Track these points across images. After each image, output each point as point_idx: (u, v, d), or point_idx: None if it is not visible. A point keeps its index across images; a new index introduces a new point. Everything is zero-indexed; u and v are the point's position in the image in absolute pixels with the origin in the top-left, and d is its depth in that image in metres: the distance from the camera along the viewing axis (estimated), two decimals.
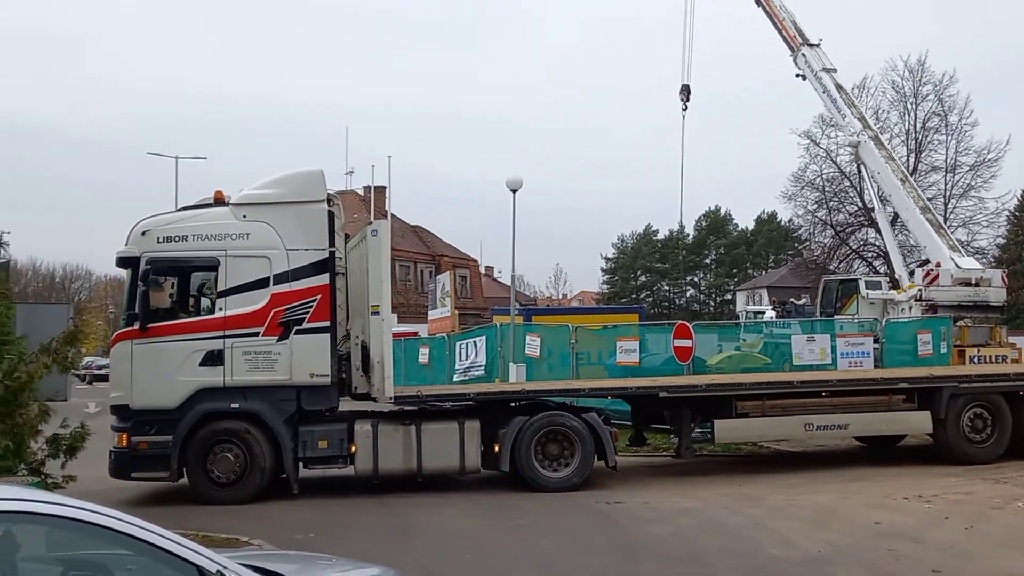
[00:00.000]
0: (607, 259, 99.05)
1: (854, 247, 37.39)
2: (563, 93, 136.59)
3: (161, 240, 11.57)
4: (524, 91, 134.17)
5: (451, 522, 10.65)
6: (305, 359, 11.71)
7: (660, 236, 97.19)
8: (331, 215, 12.09)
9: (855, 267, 36.81)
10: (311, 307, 11.80)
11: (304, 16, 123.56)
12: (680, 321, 18.40)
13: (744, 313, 46.49)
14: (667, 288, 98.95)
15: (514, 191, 23.15)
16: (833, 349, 18.22)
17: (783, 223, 77.83)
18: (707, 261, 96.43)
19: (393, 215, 68.53)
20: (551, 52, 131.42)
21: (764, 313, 34.09)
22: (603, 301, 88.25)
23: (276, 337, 11.69)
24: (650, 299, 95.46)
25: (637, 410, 14.96)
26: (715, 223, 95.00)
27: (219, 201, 12.26)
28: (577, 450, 12.43)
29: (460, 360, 26.26)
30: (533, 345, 22.17)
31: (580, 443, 12.45)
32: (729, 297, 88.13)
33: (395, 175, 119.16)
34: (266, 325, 11.58)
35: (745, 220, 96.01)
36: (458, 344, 26.71)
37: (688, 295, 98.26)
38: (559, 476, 12.40)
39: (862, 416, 13.69)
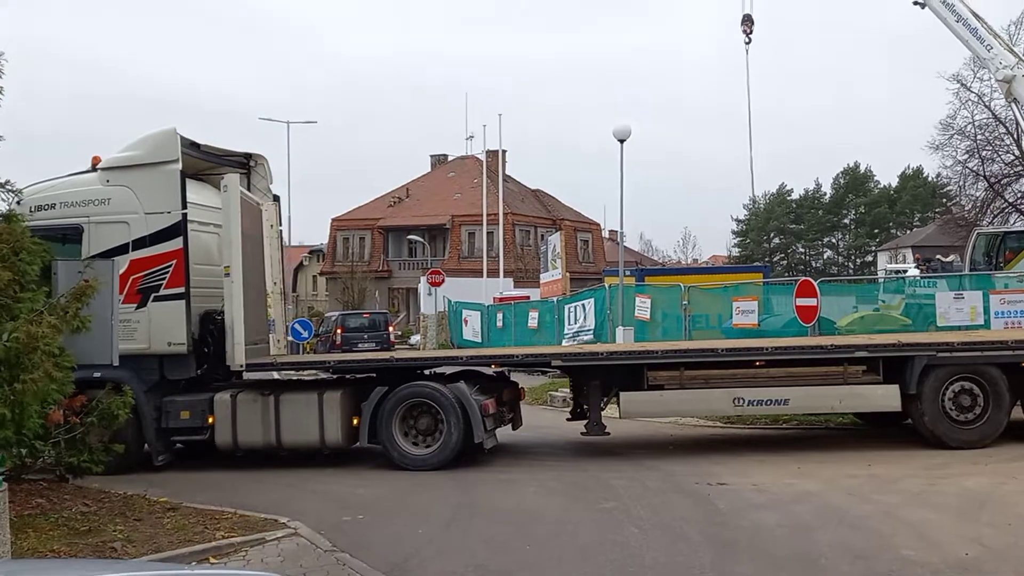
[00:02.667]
0: (738, 221, 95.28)
1: (1010, 200, 33.75)
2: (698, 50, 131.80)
3: (33, 209, 10.88)
4: (663, 52, 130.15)
5: (526, 502, 9.36)
6: (162, 327, 11.21)
7: (795, 196, 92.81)
8: (182, 175, 11.37)
9: (1012, 222, 33.20)
10: (167, 273, 11.33)
11: None
12: (804, 277, 16.39)
13: (884, 272, 43.10)
14: (802, 250, 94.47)
15: (622, 140, 21.43)
16: (986, 309, 15.93)
17: (929, 178, 72.72)
18: (846, 221, 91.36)
19: (512, 178, 67.60)
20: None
21: (906, 272, 31.17)
22: (733, 264, 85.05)
23: (135, 305, 11.24)
24: (784, 262, 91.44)
25: (574, 382, 12.77)
26: (854, 180, 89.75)
27: (95, 167, 11.76)
28: (443, 425, 11.09)
29: (569, 324, 24.97)
30: (643, 307, 20.63)
31: (445, 417, 11.06)
32: (870, 259, 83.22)
33: (518, 139, 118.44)
34: (125, 292, 10.85)
35: (888, 176, 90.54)
36: (567, 307, 25.40)
37: (825, 257, 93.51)
38: (421, 454, 11.12)
39: (807, 390, 11.41)
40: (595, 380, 11.79)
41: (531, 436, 13.29)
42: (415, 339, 42.25)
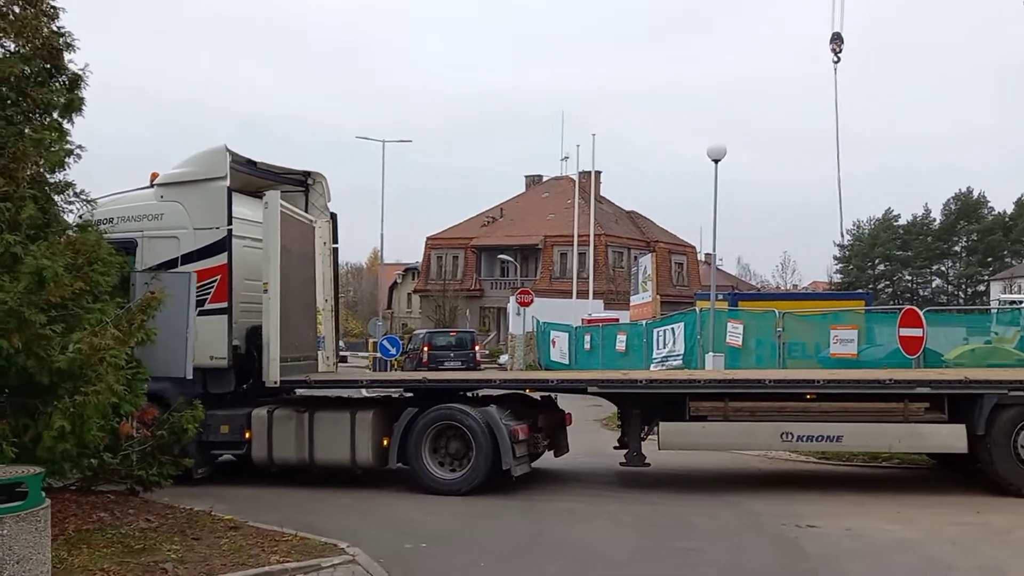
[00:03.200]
0: (840, 246, 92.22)
1: None
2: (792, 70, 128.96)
3: (95, 223, 10.90)
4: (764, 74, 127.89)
5: (595, 536, 8.84)
6: (205, 341, 11.00)
7: (902, 221, 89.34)
8: (230, 191, 11.42)
9: None
10: (212, 288, 11.37)
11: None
12: (908, 306, 15.41)
13: (998, 303, 40.83)
14: (909, 278, 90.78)
15: (716, 160, 20.79)
16: None
17: None
18: (956, 249, 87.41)
19: (606, 199, 67.04)
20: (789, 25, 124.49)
21: (1022, 302, 29.34)
22: (834, 291, 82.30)
23: None
24: (889, 289, 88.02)
25: (621, 410, 12.03)
26: (966, 206, 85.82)
27: (152, 183, 11.99)
28: (472, 450, 10.69)
29: (657, 348, 24.33)
30: (735, 333, 19.88)
31: (474, 441, 10.70)
32: (982, 288, 79.37)
33: (614, 160, 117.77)
34: None
35: (1003, 203, 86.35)
36: (655, 331, 24.77)
37: (934, 285, 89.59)
38: (449, 478, 10.82)
39: (863, 427, 10.60)
40: (635, 409, 11.32)
41: (603, 463, 12.75)
42: (504, 359, 42.03)
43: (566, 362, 31.89)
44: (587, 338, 30.28)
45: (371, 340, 35.78)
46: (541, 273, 60.85)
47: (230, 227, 11.43)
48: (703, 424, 10.87)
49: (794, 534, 8.81)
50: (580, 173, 50.08)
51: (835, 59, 22.48)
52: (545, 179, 67.89)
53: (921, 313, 14.53)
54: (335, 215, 13.38)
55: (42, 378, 7.03)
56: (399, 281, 78.28)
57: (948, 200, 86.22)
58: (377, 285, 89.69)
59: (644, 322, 26.69)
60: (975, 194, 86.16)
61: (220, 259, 11.36)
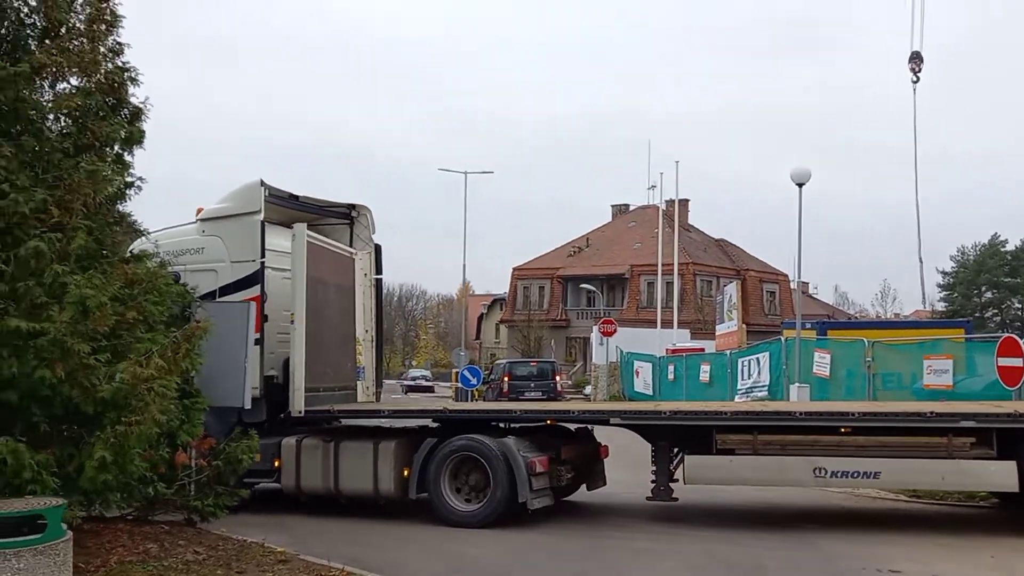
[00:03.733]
0: (944, 274, 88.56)
1: None
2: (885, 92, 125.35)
3: (151, 254, 11.11)
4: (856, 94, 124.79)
5: None
6: None
7: (1010, 246, 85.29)
8: (263, 225, 11.55)
9: None
10: None
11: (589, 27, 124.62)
12: (1007, 335, 14.42)
13: None
14: (1019, 306, 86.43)
15: (800, 184, 20.14)
16: None
17: None
18: None
19: (694, 227, 65.99)
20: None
21: None
22: (936, 319, 78.88)
23: None
24: (997, 318, 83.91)
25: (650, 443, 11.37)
26: None
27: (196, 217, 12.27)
28: (490, 481, 10.45)
29: (742, 379, 23.51)
30: (822, 363, 19.05)
31: (492, 473, 10.47)
32: None
33: (705, 187, 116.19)
34: None
35: None
36: (740, 361, 23.96)
37: None
38: (467, 510, 10.62)
39: (903, 463, 9.89)
40: (661, 441, 10.87)
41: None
42: (588, 389, 41.51)
43: (650, 392, 31.19)
44: (671, 368, 29.55)
45: (454, 370, 35.75)
46: (628, 303, 60.13)
47: (263, 260, 11.57)
48: (731, 458, 10.44)
49: None
50: (666, 202, 49.39)
51: (914, 79, 21.65)
52: (632, 208, 67.28)
53: (1021, 341, 13.56)
54: (379, 246, 13.54)
55: (87, 408, 7.02)
56: (485, 312, 78.55)
57: None
58: (465, 316, 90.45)
59: (729, 352, 25.88)
60: None
61: (254, 291, 11.46)
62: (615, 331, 35.12)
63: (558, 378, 32.85)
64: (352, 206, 13.35)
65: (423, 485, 10.85)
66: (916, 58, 21.64)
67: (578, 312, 62.50)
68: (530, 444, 10.74)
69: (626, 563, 8.94)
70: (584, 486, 11.97)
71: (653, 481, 10.97)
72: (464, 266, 47.98)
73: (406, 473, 10.92)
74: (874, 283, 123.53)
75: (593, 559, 9.10)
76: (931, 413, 10.21)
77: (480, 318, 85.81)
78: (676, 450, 10.81)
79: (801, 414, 10.63)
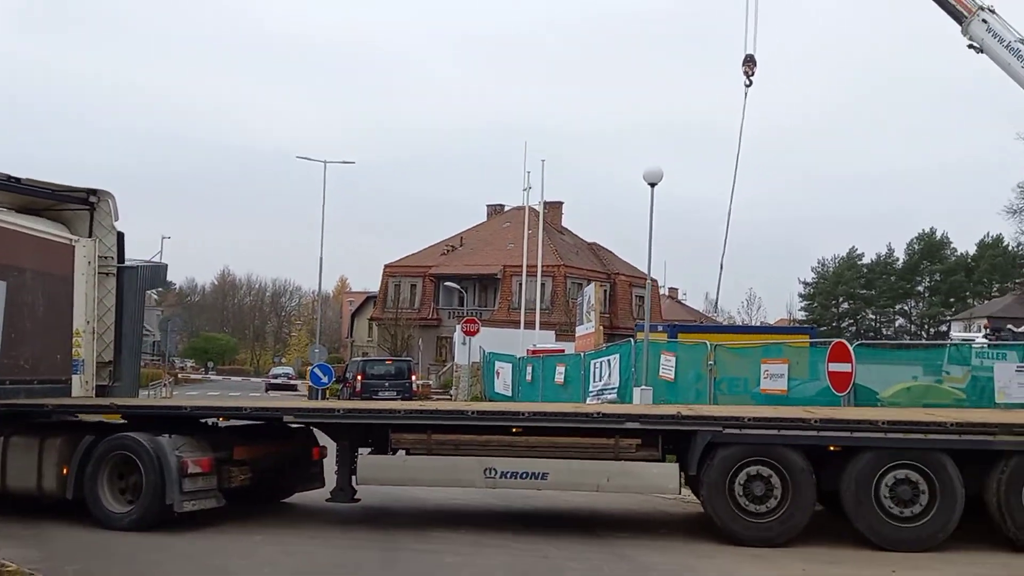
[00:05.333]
0: (805, 284, 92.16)
1: None
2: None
3: None
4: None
5: None
6: None
7: (866, 260, 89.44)
8: None
9: None
10: None
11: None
12: (837, 340, 14.36)
13: (950, 343, 40.12)
14: (872, 316, 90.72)
15: (652, 184, 19.83)
16: None
17: (1010, 247, 69.14)
18: (920, 288, 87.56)
19: (567, 230, 66.20)
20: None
21: (973, 341, 28.55)
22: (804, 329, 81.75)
23: None
24: (852, 328, 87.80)
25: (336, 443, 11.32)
26: (929, 247, 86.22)
27: None
28: (143, 481, 9.91)
29: (594, 381, 23.15)
30: (668, 366, 18.76)
31: (144, 473, 9.89)
32: (945, 328, 79.29)
33: (577, 193, 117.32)
34: None
35: (965, 244, 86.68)
36: (592, 363, 23.61)
37: (897, 325, 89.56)
38: (117, 512, 10.03)
39: (571, 464, 9.82)
40: (344, 440, 10.59)
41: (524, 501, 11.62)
42: (454, 390, 40.78)
43: (509, 394, 30.67)
44: (529, 369, 29.10)
45: (306, 368, 34.39)
46: (500, 303, 59.71)
47: None
48: (404, 458, 10.23)
49: None
50: (534, 204, 49.11)
51: (747, 82, 21.61)
52: (507, 208, 66.96)
53: (851, 347, 13.51)
54: (121, 234, 12.74)
55: None
56: (352, 309, 76.93)
57: (912, 240, 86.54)
58: (341, 314, 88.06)
59: (583, 354, 25.56)
60: (938, 235, 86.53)
61: None
62: (478, 331, 34.50)
63: (414, 377, 31.97)
64: (92, 191, 12.59)
65: (80, 485, 10.09)
66: (749, 61, 21.64)
67: (450, 311, 61.63)
68: (194, 443, 10.13)
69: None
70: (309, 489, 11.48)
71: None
72: (320, 260, 46.79)
73: (65, 471, 10.16)
74: (743, 293, 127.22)
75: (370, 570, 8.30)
76: (598, 414, 10.24)
77: (353, 315, 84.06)
78: (359, 450, 10.57)
79: (473, 413, 10.49)
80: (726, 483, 9.44)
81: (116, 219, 12.61)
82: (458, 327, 36.62)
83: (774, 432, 9.56)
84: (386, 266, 64.90)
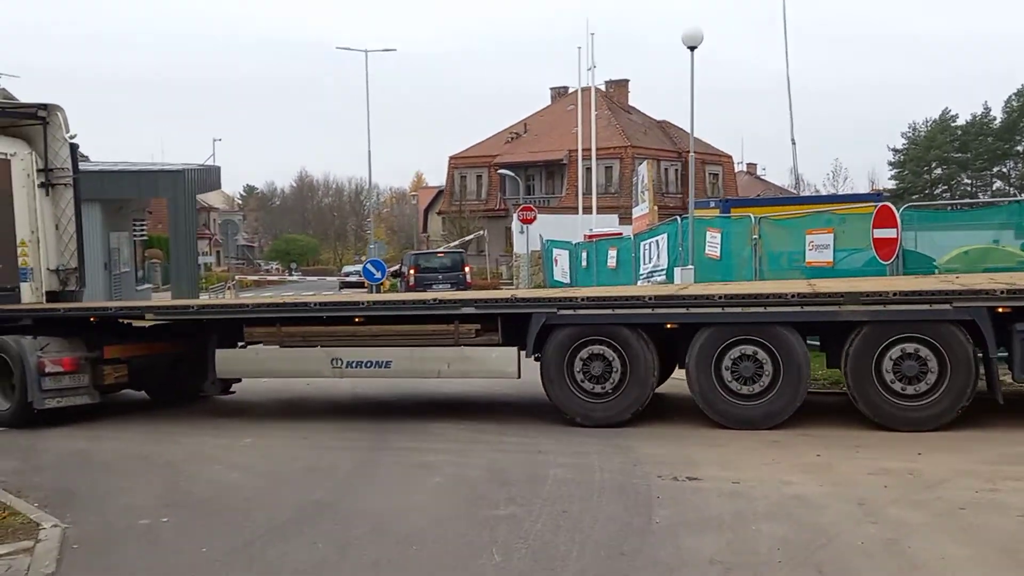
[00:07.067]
0: (895, 151, 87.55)
1: None
2: None
3: None
4: None
5: (406, 503, 7.04)
6: None
7: (960, 122, 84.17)
8: None
9: None
10: None
11: None
12: (883, 203, 12.99)
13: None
14: (968, 181, 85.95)
15: (692, 48, 18.39)
16: None
17: None
18: (1019, 148, 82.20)
19: (635, 108, 63.89)
20: None
21: None
22: (890, 198, 78.20)
23: None
24: (947, 194, 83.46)
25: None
26: None
27: None
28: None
29: (644, 263, 22.22)
30: (714, 243, 17.65)
31: (14, 372, 10.41)
32: None
33: (651, 67, 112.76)
34: None
35: None
36: (642, 244, 22.60)
37: (995, 188, 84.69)
38: (3, 409, 10.55)
39: (411, 351, 9.86)
40: (214, 335, 10.73)
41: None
42: (516, 280, 40.31)
43: (567, 281, 29.93)
44: (583, 255, 28.24)
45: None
46: (567, 189, 58.42)
47: None
48: (257, 351, 10.62)
49: (661, 492, 6.91)
50: (606, 82, 47.18)
51: None
52: (571, 90, 64.76)
53: (896, 211, 12.19)
54: (75, 146, 12.73)
55: None
56: (426, 205, 76.55)
57: (1010, 97, 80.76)
58: (419, 209, 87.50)
59: (633, 236, 24.50)
60: None
61: None
62: (535, 218, 33.67)
63: (467, 269, 31.51)
64: (43, 106, 12.43)
65: None
66: None
67: (517, 201, 60.71)
68: (64, 344, 10.49)
69: (375, 481, 7.71)
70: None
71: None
72: (369, 153, 45.26)
73: None
74: (826, 163, 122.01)
75: (342, 475, 7.87)
76: (435, 300, 10.26)
77: (426, 211, 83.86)
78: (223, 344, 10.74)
79: (316, 305, 10.51)
80: (564, 363, 9.36)
81: (67, 132, 12.56)
82: (515, 215, 35.84)
83: (608, 312, 9.41)
84: (451, 158, 64.02)
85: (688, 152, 60.18)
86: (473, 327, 9.70)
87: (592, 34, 42.08)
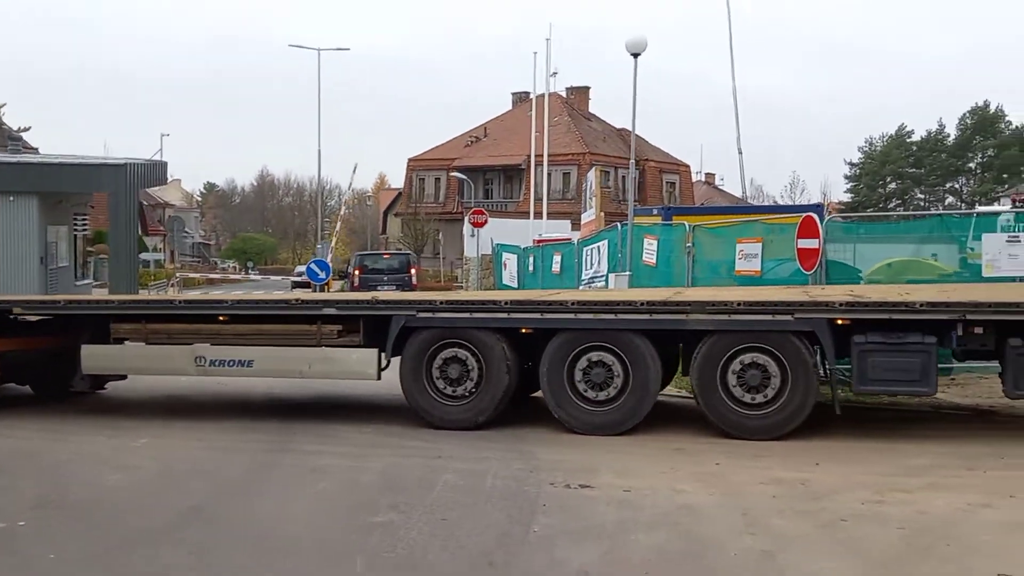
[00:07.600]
0: (851, 164, 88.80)
1: None
2: None
3: None
4: None
5: (286, 510, 6.83)
6: None
7: (915, 138, 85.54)
8: None
9: None
10: None
11: None
12: (808, 213, 13.02)
13: (975, 216, 37.85)
14: (921, 196, 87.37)
15: (635, 55, 18.35)
16: None
17: None
18: (971, 165, 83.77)
19: (594, 115, 64.08)
20: None
21: (1000, 215, 26.71)
22: (844, 211, 79.12)
23: None
24: (900, 208, 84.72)
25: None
26: (983, 121, 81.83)
27: None
28: None
29: (585, 269, 22.15)
30: (650, 250, 17.60)
31: None
32: (997, 206, 76.05)
33: (611, 78, 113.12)
34: None
35: (1021, 116, 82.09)
36: (585, 250, 22.54)
37: (947, 203, 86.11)
38: None
39: (275, 351, 9.85)
40: (81, 331, 10.61)
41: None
42: (464, 283, 40.15)
43: (515, 285, 29.81)
44: (531, 259, 28.14)
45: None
46: (524, 194, 58.35)
47: None
48: (122, 348, 10.48)
49: (547, 499, 6.76)
50: (567, 89, 47.25)
51: None
52: (532, 96, 64.78)
53: (819, 221, 12.22)
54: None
55: None
56: (385, 207, 76.19)
57: (964, 114, 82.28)
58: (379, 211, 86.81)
59: (577, 241, 24.47)
60: (992, 108, 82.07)
61: None
62: (486, 222, 33.55)
63: (413, 271, 31.26)
64: None
65: None
66: None
67: (474, 204, 60.58)
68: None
69: (262, 486, 7.48)
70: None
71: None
72: (319, 153, 45.00)
73: None
74: (784, 175, 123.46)
75: (228, 480, 7.65)
76: (297, 301, 10.29)
77: (385, 212, 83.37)
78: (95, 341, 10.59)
79: (180, 302, 10.74)
80: (423, 366, 9.40)
81: None
82: (466, 219, 35.69)
83: (466, 315, 9.47)
84: (410, 160, 63.75)
85: (646, 160, 60.43)
86: (335, 328, 9.68)
87: (547, 39, 41.67)
